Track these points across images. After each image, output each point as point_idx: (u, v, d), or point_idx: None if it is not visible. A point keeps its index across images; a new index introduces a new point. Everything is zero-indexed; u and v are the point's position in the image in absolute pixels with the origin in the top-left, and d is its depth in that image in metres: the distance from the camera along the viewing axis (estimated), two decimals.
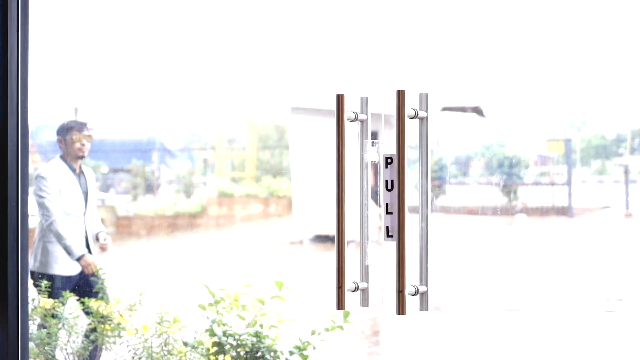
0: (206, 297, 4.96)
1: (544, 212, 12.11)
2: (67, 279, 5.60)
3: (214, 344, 4.64)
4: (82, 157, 6.06)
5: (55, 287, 5.43)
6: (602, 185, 13.20)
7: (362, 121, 2.74)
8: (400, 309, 2.63)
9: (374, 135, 2.78)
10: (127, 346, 4.97)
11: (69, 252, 5.60)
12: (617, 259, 9.94)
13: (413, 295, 2.69)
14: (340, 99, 2.67)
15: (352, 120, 2.70)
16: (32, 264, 5.53)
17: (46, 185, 5.90)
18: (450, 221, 9.50)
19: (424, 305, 2.73)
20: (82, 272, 5.60)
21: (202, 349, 4.71)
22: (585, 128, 13.41)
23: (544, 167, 12.66)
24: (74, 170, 6.13)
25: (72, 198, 5.96)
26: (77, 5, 9.51)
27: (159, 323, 4.88)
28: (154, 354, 4.82)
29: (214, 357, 4.66)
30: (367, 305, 2.75)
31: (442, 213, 9.16)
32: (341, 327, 4.57)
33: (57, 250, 5.66)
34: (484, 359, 6.94)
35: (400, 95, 2.64)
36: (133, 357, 4.90)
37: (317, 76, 12.19)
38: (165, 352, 4.81)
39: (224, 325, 4.70)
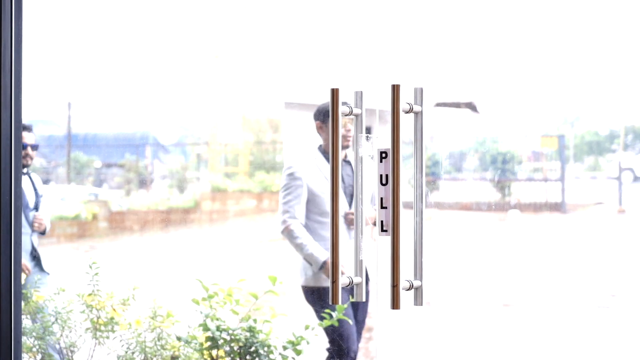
0: (200, 291, 4.95)
1: (537, 208, 12.12)
2: None
3: (208, 338, 4.64)
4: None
5: None
6: (595, 182, 13.22)
7: (356, 115, 2.73)
8: (395, 304, 2.63)
9: (368, 130, 2.78)
10: (121, 341, 4.96)
11: None
12: (610, 255, 9.95)
13: (407, 289, 2.69)
14: (335, 93, 2.67)
15: (346, 115, 2.70)
16: None
17: None
18: (444, 217, 9.50)
19: (418, 300, 2.73)
20: None
21: (196, 343, 4.70)
22: (579, 124, 13.41)
23: (537, 163, 12.67)
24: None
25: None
26: (72, 2, 9.49)
27: (152, 318, 4.87)
28: (147, 349, 4.81)
29: (208, 352, 4.65)
30: (362, 300, 2.75)
31: (436, 209, 9.16)
32: (335, 323, 4.57)
33: None
34: (477, 354, 6.95)
35: (395, 89, 2.63)
36: (126, 352, 4.90)
37: (311, 71, 12.18)
38: (159, 347, 4.80)
39: (217, 320, 4.69)
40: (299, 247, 5.20)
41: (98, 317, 4.97)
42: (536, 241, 10.43)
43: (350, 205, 4.68)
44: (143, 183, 15.37)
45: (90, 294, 4.97)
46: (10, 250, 3.65)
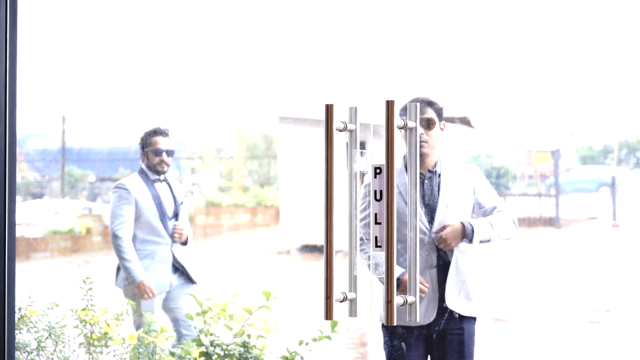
0: (193, 306, 4.94)
1: (531, 222, 12.13)
2: None
3: (201, 353, 4.63)
4: None
5: None
6: (590, 196, 13.23)
7: (351, 131, 2.73)
8: (389, 319, 2.62)
9: (363, 146, 2.77)
10: (114, 356, 4.95)
11: None
12: (604, 269, 9.95)
13: (402, 305, 2.68)
14: (329, 108, 2.66)
15: (341, 130, 2.69)
16: None
17: None
18: None
19: (412, 315, 2.72)
20: None
21: (189, 358, 4.69)
22: (573, 139, 13.44)
23: (531, 179, 12.69)
24: None
25: None
26: (66, 16, 9.50)
27: (146, 332, 4.86)
28: None
29: None
30: (355, 316, 2.73)
31: None
32: (329, 337, 4.56)
33: None
34: None
35: (390, 105, 2.63)
36: None
37: (305, 86, 12.19)
38: None
39: (211, 335, 4.68)
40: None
41: (92, 332, 4.96)
42: (531, 256, 10.43)
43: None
44: None
45: (84, 309, 4.95)
46: (4, 264, 3.64)
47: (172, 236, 5.53)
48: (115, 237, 5.44)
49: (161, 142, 5.52)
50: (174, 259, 5.54)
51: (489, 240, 4.14)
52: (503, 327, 7.94)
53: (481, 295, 4.23)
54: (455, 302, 4.11)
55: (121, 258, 5.44)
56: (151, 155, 5.52)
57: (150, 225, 5.48)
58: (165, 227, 5.52)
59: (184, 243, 5.60)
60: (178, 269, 5.56)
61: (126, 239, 5.42)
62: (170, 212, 5.56)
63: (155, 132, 5.55)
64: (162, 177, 5.55)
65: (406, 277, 3.80)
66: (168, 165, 5.56)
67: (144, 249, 5.47)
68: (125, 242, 5.42)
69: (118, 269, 5.55)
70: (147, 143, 5.55)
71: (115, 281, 5.60)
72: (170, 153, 5.59)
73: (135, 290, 5.47)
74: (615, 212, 11.99)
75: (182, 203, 5.67)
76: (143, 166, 5.55)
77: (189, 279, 5.55)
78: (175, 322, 5.43)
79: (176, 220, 5.59)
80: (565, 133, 13.09)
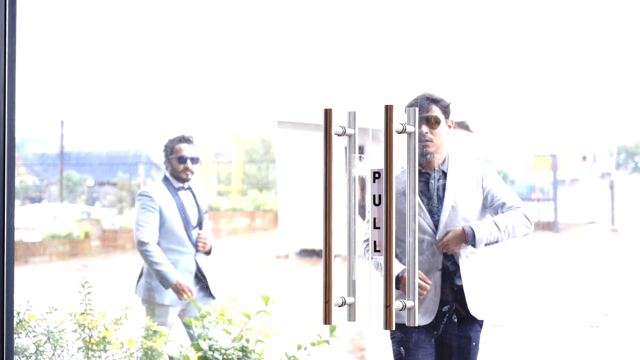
0: (192, 311, 4.92)
1: None
2: None
3: (200, 358, 4.63)
4: None
5: None
6: (588, 201, 13.23)
7: (349, 135, 2.73)
8: (388, 324, 2.62)
9: (361, 150, 2.77)
10: None
11: None
12: (603, 274, 9.95)
13: (400, 310, 2.68)
14: (328, 113, 2.66)
15: (339, 135, 2.69)
16: None
17: None
18: None
19: (411, 320, 2.72)
20: None
21: None
22: (572, 143, 13.43)
23: (530, 183, 12.68)
24: None
25: None
26: (65, 20, 9.51)
27: (144, 337, 4.85)
28: None
29: None
30: (354, 320, 2.73)
31: None
32: (327, 342, 4.55)
33: None
34: None
35: (388, 110, 2.63)
36: None
37: (303, 90, 12.19)
38: None
39: (209, 339, 4.68)
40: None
41: (90, 337, 4.96)
42: (529, 260, 10.43)
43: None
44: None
45: (82, 313, 4.95)
46: (2, 268, 3.64)
47: (195, 245, 5.48)
48: (141, 243, 5.37)
49: (185, 150, 5.45)
50: (197, 268, 5.48)
51: (496, 242, 4.03)
52: (501, 331, 7.93)
53: (484, 300, 4.19)
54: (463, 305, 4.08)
55: (151, 263, 5.36)
56: (175, 163, 5.48)
57: (173, 234, 5.43)
58: (189, 236, 5.47)
59: (208, 253, 5.54)
60: (200, 279, 5.49)
61: (152, 243, 5.36)
62: (194, 220, 5.51)
63: (180, 140, 5.49)
64: (186, 185, 5.50)
65: (405, 275, 3.74)
66: (192, 172, 5.49)
67: (167, 258, 5.42)
68: (151, 246, 5.36)
69: (139, 277, 5.50)
70: (171, 150, 5.50)
71: (135, 289, 5.54)
72: (194, 160, 5.52)
73: (155, 299, 5.42)
74: (613, 217, 11.99)
75: (206, 212, 5.62)
76: (167, 174, 5.50)
77: (209, 293, 5.47)
78: (192, 336, 5.32)
79: (200, 229, 5.53)
80: (564, 137, 13.10)
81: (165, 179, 5.50)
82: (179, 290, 5.30)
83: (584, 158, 13.39)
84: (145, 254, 5.38)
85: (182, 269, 5.42)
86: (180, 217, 5.43)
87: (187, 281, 5.39)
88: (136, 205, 5.53)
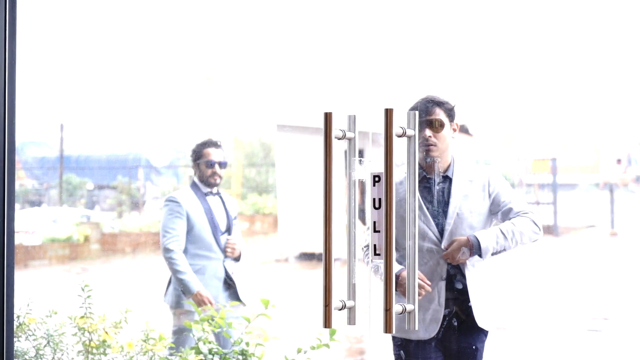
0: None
1: None
2: None
3: None
4: None
5: None
6: (588, 205, 13.22)
7: (349, 139, 2.73)
8: (388, 328, 2.62)
9: (361, 154, 2.77)
10: None
11: None
12: (603, 277, 9.95)
13: (400, 313, 2.68)
14: (327, 116, 2.67)
15: (339, 138, 2.70)
16: None
17: None
18: None
19: (411, 323, 2.72)
20: None
21: None
22: (571, 148, 13.42)
23: (530, 187, 12.68)
24: None
25: None
26: (65, 24, 9.51)
27: (144, 341, 4.85)
28: None
29: None
30: (354, 324, 2.73)
31: None
32: (327, 346, 4.55)
33: None
34: None
35: (388, 113, 2.63)
36: None
37: (303, 94, 12.19)
38: None
39: (209, 343, 4.68)
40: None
41: (90, 340, 4.95)
42: (529, 264, 10.42)
43: None
44: (135, 205, 15.35)
45: (82, 317, 4.94)
46: (2, 272, 3.64)
47: (224, 251, 5.44)
48: (166, 250, 5.34)
49: (213, 154, 5.42)
50: (226, 274, 5.44)
51: (503, 250, 3.94)
52: (502, 335, 7.93)
53: (490, 310, 4.12)
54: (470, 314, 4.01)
55: (174, 271, 5.32)
56: (203, 167, 5.44)
57: (201, 239, 5.39)
58: (218, 242, 5.44)
59: (237, 259, 5.50)
60: (230, 285, 5.45)
61: (178, 251, 5.32)
62: (222, 226, 5.48)
63: (207, 144, 5.46)
64: (214, 190, 5.47)
65: (404, 273, 3.65)
66: (220, 177, 5.46)
67: (194, 264, 5.36)
68: (176, 254, 5.31)
69: (168, 284, 5.47)
70: (199, 155, 5.46)
71: (164, 296, 5.51)
72: (222, 165, 5.49)
73: (184, 306, 5.38)
74: (613, 221, 11.99)
75: (235, 217, 5.59)
76: (195, 179, 5.46)
77: (238, 300, 5.39)
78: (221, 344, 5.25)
79: (229, 234, 5.50)
80: (564, 141, 13.10)
81: (194, 185, 5.46)
82: (198, 301, 5.26)
83: (619, 161, 13.36)
84: (169, 262, 5.35)
85: (211, 274, 5.37)
86: (208, 223, 5.39)
87: (209, 291, 5.33)
88: (163, 210, 5.49)
